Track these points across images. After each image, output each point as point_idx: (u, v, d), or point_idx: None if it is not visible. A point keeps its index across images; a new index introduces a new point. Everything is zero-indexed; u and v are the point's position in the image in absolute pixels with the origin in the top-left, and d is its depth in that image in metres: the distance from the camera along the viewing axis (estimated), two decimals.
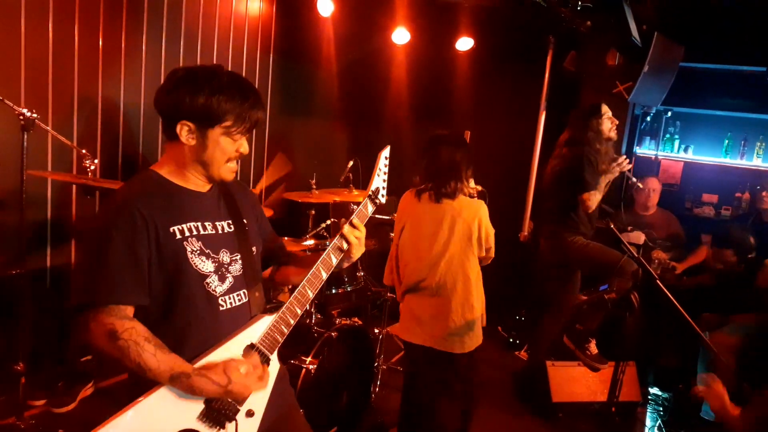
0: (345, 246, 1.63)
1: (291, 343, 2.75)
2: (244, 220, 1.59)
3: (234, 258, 1.52)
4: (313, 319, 2.96)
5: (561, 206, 3.41)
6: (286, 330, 1.53)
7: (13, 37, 2.88)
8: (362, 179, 3.89)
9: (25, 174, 2.50)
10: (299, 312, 1.55)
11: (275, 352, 1.53)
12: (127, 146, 3.59)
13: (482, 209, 2.49)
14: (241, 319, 1.50)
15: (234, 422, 1.43)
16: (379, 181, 1.78)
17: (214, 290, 1.45)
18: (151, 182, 1.46)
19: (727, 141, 4.73)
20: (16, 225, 2.60)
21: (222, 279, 1.47)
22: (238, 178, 1.70)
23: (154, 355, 1.31)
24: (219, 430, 1.41)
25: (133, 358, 1.30)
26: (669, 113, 4.83)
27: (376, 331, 3.56)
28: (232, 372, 1.36)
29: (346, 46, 4.90)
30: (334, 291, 3.17)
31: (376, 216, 3.66)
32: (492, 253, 2.55)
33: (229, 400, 1.41)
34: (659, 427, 3.42)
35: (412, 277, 2.50)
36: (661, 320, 3.53)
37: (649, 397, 3.72)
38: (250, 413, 1.47)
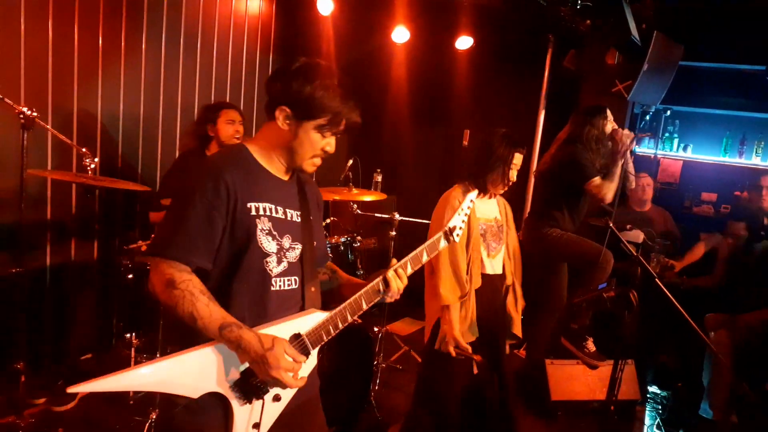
0: (383, 289, 1.65)
1: None
2: (311, 216, 1.66)
3: (294, 246, 1.57)
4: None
5: (545, 202, 3.42)
6: (333, 331, 1.57)
7: (13, 36, 2.89)
8: (362, 178, 3.90)
9: (25, 173, 2.50)
10: (349, 319, 1.60)
11: (316, 349, 1.57)
12: (127, 145, 3.59)
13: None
14: (288, 302, 1.56)
15: (261, 401, 1.47)
16: (458, 220, 1.86)
17: (271, 270, 1.51)
18: (240, 157, 1.52)
19: (725, 140, 4.74)
20: (15, 224, 2.61)
21: (279, 261, 1.53)
22: None
23: (207, 305, 1.37)
24: (245, 403, 1.44)
25: (187, 306, 1.36)
26: (668, 112, 4.83)
27: (376, 329, 3.56)
28: (278, 343, 1.40)
29: (345, 44, 4.90)
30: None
31: (376, 215, 3.67)
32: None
33: (257, 374, 1.40)
34: (658, 426, 3.43)
35: None
36: (660, 319, 3.53)
37: (648, 395, 3.73)
38: (277, 398, 1.51)
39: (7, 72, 2.89)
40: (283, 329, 1.49)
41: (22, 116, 2.42)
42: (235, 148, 1.55)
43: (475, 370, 2.44)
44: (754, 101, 4.55)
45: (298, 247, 1.59)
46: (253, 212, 1.47)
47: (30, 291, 2.80)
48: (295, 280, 1.58)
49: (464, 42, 4.66)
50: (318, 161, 1.58)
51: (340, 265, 3.21)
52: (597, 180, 3.24)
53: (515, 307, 2.68)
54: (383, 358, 3.64)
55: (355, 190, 3.57)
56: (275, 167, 1.57)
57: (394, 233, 3.52)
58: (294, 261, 1.58)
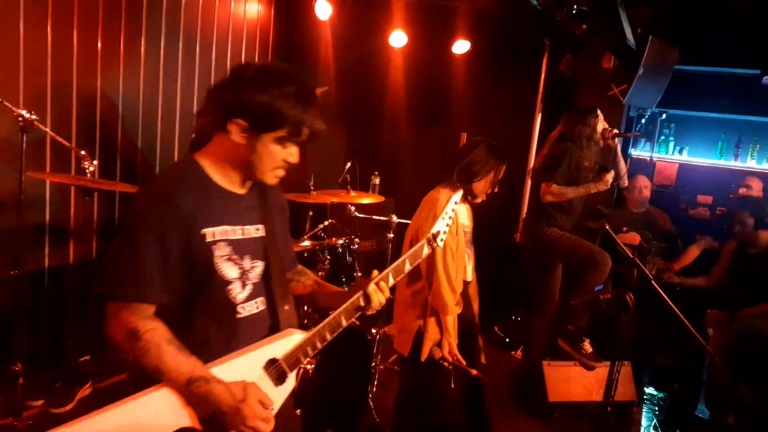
0: (363, 304, 1.56)
1: None
2: (275, 228, 1.56)
3: (254, 264, 1.47)
4: (311, 319, 2.97)
5: (539, 198, 3.46)
6: (311, 352, 1.50)
7: (12, 38, 2.90)
8: (360, 181, 3.91)
9: (24, 175, 2.51)
10: (329, 338, 1.52)
11: (294, 372, 1.50)
12: (126, 147, 3.60)
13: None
14: (257, 325, 1.48)
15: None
16: (442, 224, 1.77)
17: (234, 298, 1.42)
18: (191, 175, 1.39)
19: (721, 143, 4.77)
20: (14, 226, 2.61)
21: (243, 286, 1.44)
22: None
23: (174, 358, 1.29)
24: None
25: (153, 359, 1.28)
26: (664, 115, 4.85)
27: (374, 331, 3.57)
28: (251, 393, 1.34)
29: (343, 49, 4.92)
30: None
31: (374, 217, 3.68)
32: None
33: (229, 425, 1.34)
34: (654, 427, 3.44)
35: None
36: (656, 320, 3.55)
37: (645, 396, 3.74)
38: None
39: (5, 75, 2.90)
40: (257, 355, 1.43)
41: (20, 119, 2.43)
42: (185, 165, 1.42)
43: (452, 384, 2.41)
44: (749, 104, 4.58)
45: (259, 264, 1.48)
46: (209, 238, 1.36)
47: (29, 293, 2.80)
48: (261, 301, 1.49)
49: (461, 46, 4.69)
50: (281, 173, 1.45)
51: (338, 268, 3.26)
52: (555, 186, 3.30)
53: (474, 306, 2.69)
54: (381, 360, 3.65)
55: (353, 193, 3.59)
56: (230, 181, 1.45)
57: (391, 235, 3.53)
58: (257, 281, 1.48)
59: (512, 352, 4.34)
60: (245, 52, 4.38)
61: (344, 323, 1.53)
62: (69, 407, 2.90)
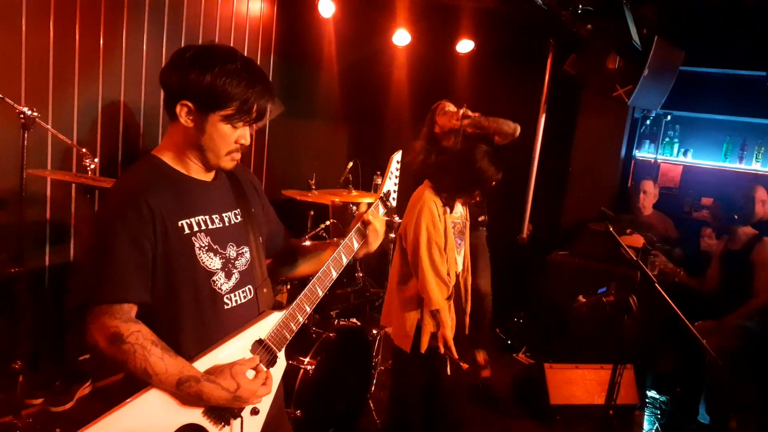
0: (356, 246, 1.63)
1: (289, 343, 2.76)
2: (252, 209, 1.54)
3: (240, 251, 1.45)
4: (312, 319, 2.96)
5: None
6: (294, 327, 1.51)
7: (14, 35, 2.89)
8: (362, 180, 3.90)
9: (25, 173, 2.50)
10: (308, 310, 1.54)
11: (283, 350, 1.51)
12: (127, 145, 3.59)
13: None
14: (247, 316, 1.46)
15: (239, 419, 1.41)
16: (391, 184, 1.83)
17: (220, 288, 1.39)
18: (156, 170, 1.37)
19: (726, 145, 4.74)
20: (15, 224, 2.60)
21: (228, 276, 1.41)
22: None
23: (161, 359, 1.26)
24: (224, 426, 1.39)
25: (139, 363, 1.25)
26: (668, 117, 4.83)
27: (374, 332, 3.56)
28: (239, 376, 1.34)
29: (346, 47, 4.90)
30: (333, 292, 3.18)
31: None
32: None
33: (235, 410, 1.38)
34: (657, 430, 3.42)
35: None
36: (659, 323, 3.52)
37: (647, 400, 3.72)
38: (255, 411, 1.45)
39: (7, 71, 2.89)
40: (242, 339, 1.42)
41: (22, 116, 2.42)
42: (148, 163, 1.39)
43: (449, 371, 2.47)
44: (754, 107, 4.54)
45: (246, 250, 1.47)
46: (187, 230, 1.34)
47: (29, 291, 2.79)
48: (249, 289, 1.47)
49: (465, 45, 4.67)
50: (237, 156, 1.42)
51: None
52: None
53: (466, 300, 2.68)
54: (381, 360, 3.64)
55: (354, 192, 3.57)
56: (194, 171, 1.42)
57: (393, 236, 3.52)
58: (245, 269, 1.46)
59: (514, 355, 4.32)
60: (247, 51, 4.36)
61: (320, 294, 1.57)
62: (68, 406, 2.90)
